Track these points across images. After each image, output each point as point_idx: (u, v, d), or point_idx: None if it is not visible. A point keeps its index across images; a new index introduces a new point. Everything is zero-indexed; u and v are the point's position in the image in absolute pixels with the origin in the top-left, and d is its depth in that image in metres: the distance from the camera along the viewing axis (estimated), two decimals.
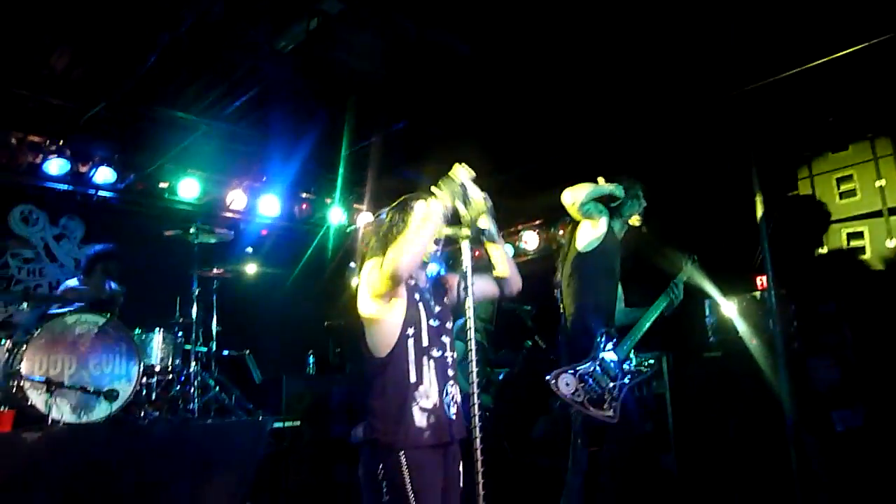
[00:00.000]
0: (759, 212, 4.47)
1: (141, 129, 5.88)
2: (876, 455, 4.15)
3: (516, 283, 2.66)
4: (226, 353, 5.28)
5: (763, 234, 4.58)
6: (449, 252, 2.54)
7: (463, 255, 2.36)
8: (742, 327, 5.20)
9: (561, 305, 3.90)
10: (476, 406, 2.23)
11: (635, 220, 3.96)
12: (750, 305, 5.41)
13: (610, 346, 3.68)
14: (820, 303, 5.55)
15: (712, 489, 4.45)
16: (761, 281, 5.49)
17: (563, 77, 4.95)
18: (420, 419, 2.33)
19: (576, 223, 3.91)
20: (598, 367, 3.60)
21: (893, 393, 4.45)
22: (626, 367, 3.70)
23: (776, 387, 4.24)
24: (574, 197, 3.75)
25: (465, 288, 2.30)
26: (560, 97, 5.18)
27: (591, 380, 3.57)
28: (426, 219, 2.30)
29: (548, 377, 3.53)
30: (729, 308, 5.46)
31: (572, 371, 3.57)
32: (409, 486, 2.26)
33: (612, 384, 3.60)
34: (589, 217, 3.80)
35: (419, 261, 2.37)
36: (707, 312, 5.54)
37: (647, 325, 3.89)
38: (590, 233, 3.81)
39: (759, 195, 4.62)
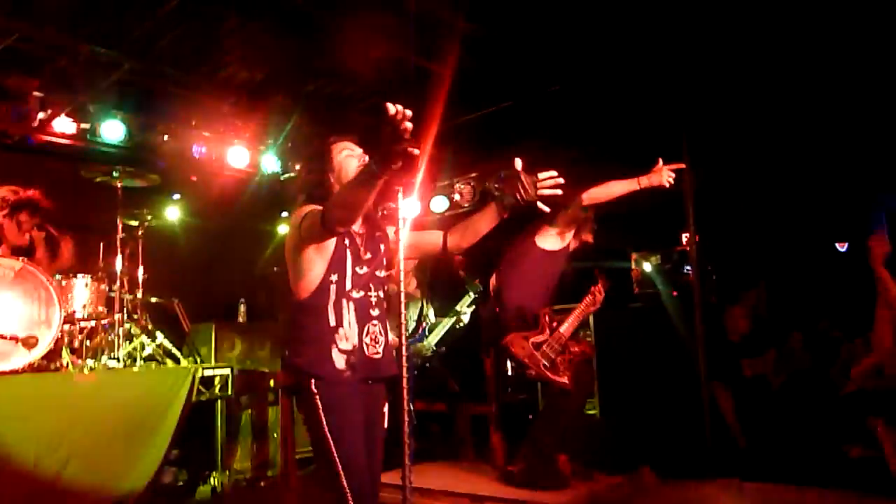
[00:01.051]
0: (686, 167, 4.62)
1: (63, 65, 5.57)
2: (779, 400, 4.46)
3: (468, 244, 2.65)
4: (153, 300, 5.17)
5: (687, 190, 4.77)
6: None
7: (399, 207, 2.37)
8: (663, 280, 5.43)
9: None
10: (404, 348, 2.29)
11: None
12: (673, 260, 5.65)
13: None
14: (739, 260, 5.84)
15: (632, 432, 4.70)
16: (686, 237, 5.72)
17: (502, 27, 4.92)
18: (339, 360, 2.38)
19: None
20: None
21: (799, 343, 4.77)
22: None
23: (692, 336, 4.48)
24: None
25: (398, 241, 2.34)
26: (498, 48, 5.16)
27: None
28: (370, 179, 2.10)
29: (502, 342, 4.07)
30: (652, 262, 5.68)
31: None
32: (325, 424, 2.32)
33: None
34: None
35: (358, 218, 2.34)
36: (631, 266, 5.76)
37: None
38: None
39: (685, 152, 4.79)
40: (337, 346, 2.38)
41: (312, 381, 2.35)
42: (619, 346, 5.09)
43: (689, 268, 5.19)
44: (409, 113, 1.97)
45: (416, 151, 2.02)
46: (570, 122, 5.91)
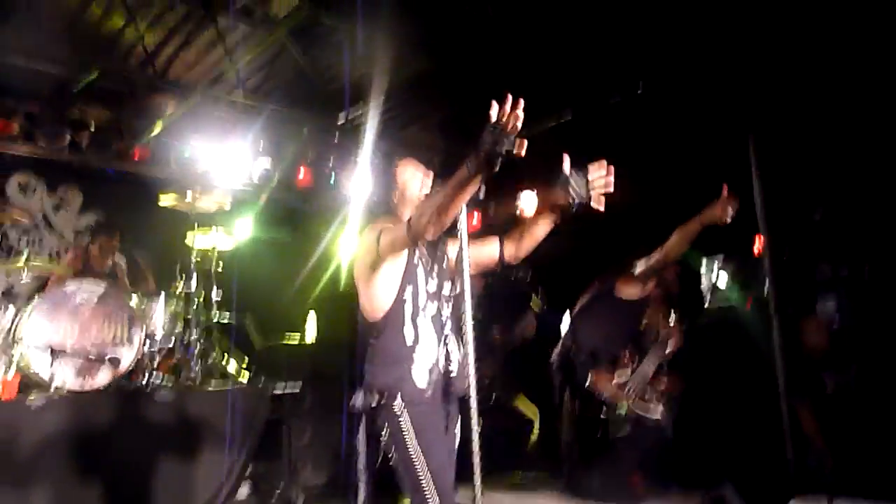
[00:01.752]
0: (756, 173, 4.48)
1: (134, 94, 5.83)
2: (864, 415, 4.22)
3: (524, 253, 2.61)
4: (226, 319, 5.32)
5: (758, 195, 4.61)
6: None
7: (459, 223, 2.37)
8: (737, 290, 5.25)
9: None
10: (472, 367, 2.27)
11: None
12: (746, 268, 5.45)
13: None
14: (816, 267, 5.59)
15: (707, 447, 4.55)
16: (759, 242, 5.51)
17: (552, 40, 4.85)
18: (420, 379, 2.37)
19: None
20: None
21: (882, 357, 4.51)
22: None
23: (770, 349, 4.31)
24: None
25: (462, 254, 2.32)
26: (550, 60, 5.09)
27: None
28: (466, 184, 2.06)
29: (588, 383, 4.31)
30: (726, 272, 5.50)
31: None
32: (414, 445, 2.29)
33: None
34: None
35: (447, 225, 2.22)
36: (703, 275, 5.59)
37: None
38: None
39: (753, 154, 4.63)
40: (417, 365, 2.38)
41: (396, 401, 2.33)
42: (693, 360, 4.94)
43: (764, 277, 4.99)
44: (520, 108, 1.88)
45: (522, 153, 1.93)
46: (632, 133, 5.80)
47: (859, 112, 4.98)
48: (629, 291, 4.30)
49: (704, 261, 5.64)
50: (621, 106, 5.53)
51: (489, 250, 2.61)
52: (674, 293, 4.48)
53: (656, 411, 4.23)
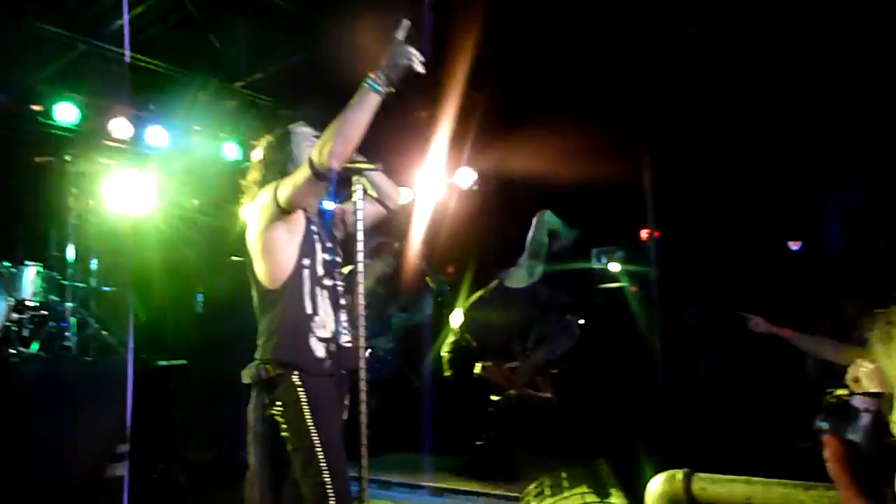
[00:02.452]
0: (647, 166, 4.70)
1: (12, 44, 5.37)
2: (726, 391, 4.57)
3: (395, 195, 2.63)
4: (106, 288, 5.04)
5: (648, 188, 4.85)
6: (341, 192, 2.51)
7: (354, 191, 2.35)
8: (624, 276, 5.51)
9: None
10: (362, 340, 2.27)
11: None
12: (633, 256, 5.73)
13: None
14: (699, 259, 5.94)
15: (589, 423, 4.76)
16: (644, 233, 5.81)
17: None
18: (318, 349, 2.34)
19: None
20: None
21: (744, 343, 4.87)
22: None
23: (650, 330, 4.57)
24: None
25: (356, 223, 2.30)
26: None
27: None
28: (366, 102, 2.07)
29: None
30: (617, 259, 5.75)
31: None
32: (308, 415, 2.25)
33: None
34: None
35: (353, 150, 2.18)
36: (593, 262, 5.82)
37: None
38: None
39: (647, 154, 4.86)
40: (315, 335, 2.34)
41: (295, 373, 2.28)
42: (582, 343, 5.14)
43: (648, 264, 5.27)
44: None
45: (421, 69, 2.02)
46: (532, 119, 5.91)
47: (738, 112, 5.31)
48: (516, 279, 4.45)
49: (593, 250, 5.88)
50: (524, 92, 5.64)
51: (376, 205, 2.58)
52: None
53: (545, 391, 4.39)
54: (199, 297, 5.81)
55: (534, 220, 4.56)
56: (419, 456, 5.03)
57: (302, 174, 2.20)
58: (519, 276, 4.46)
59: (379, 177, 2.55)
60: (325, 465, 2.22)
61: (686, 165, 5.78)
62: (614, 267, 5.70)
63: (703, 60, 4.95)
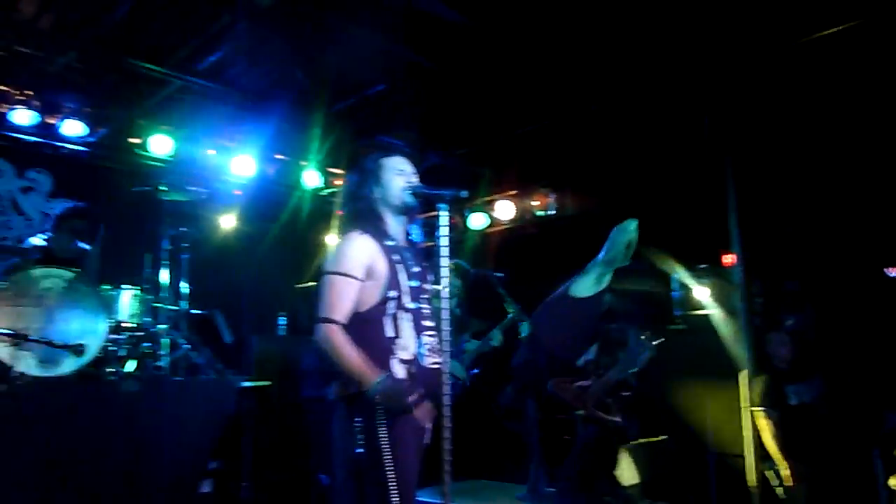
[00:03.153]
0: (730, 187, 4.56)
1: (113, 81, 5.74)
2: (826, 428, 4.31)
3: None
4: (195, 311, 5.24)
5: (731, 209, 4.69)
6: (425, 219, 2.56)
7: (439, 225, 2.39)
8: (707, 302, 5.32)
9: None
10: (446, 365, 2.29)
11: None
12: (716, 281, 5.53)
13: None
14: (785, 280, 5.70)
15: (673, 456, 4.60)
16: (729, 257, 5.61)
17: (541, 49, 4.92)
18: (400, 370, 2.37)
19: None
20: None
21: (845, 371, 4.61)
22: None
23: (736, 361, 4.38)
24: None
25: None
26: (538, 69, 5.16)
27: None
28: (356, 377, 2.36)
29: (549, 387, 4.27)
30: (695, 283, 5.57)
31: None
32: (384, 438, 2.29)
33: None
34: None
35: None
36: (673, 287, 5.65)
37: None
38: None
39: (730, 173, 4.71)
40: (397, 357, 2.39)
41: (374, 400, 2.31)
42: (659, 370, 4.99)
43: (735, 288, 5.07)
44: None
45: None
46: (610, 142, 5.87)
47: (829, 134, 5.10)
48: (583, 288, 4.16)
49: (674, 275, 5.71)
50: (599, 117, 5.60)
51: None
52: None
53: (615, 415, 4.24)
54: (283, 321, 5.97)
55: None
56: (499, 484, 4.99)
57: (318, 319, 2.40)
58: (585, 284, 4.12)
59: None
60: (392, 485, 2.26)
61: (773, 185, 5.58)
62: (700, 293, 5.52)
63: (795, 73, 4.79)
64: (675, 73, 5.03)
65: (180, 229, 5.10)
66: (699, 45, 4.67)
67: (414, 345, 2.42)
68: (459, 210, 7.03)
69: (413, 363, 2.40)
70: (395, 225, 2.54)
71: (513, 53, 4.98)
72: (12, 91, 5.54)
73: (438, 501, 2.26)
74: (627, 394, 4.36)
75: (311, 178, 6.88)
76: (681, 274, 5.69)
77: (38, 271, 4.16)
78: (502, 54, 5.00)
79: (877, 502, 3.77)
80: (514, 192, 7.29)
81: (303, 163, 6.82)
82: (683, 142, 5.46)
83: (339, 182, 6.83)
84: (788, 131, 5.21)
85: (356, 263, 2.40)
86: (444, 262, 2.37)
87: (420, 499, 2.54)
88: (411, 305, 2.45)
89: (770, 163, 5.37)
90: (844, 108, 4.91)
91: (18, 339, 3.90)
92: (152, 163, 6.21)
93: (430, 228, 2.56)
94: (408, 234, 2.62)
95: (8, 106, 5.55)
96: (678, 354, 5.10)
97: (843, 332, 5.05)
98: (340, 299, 2.37)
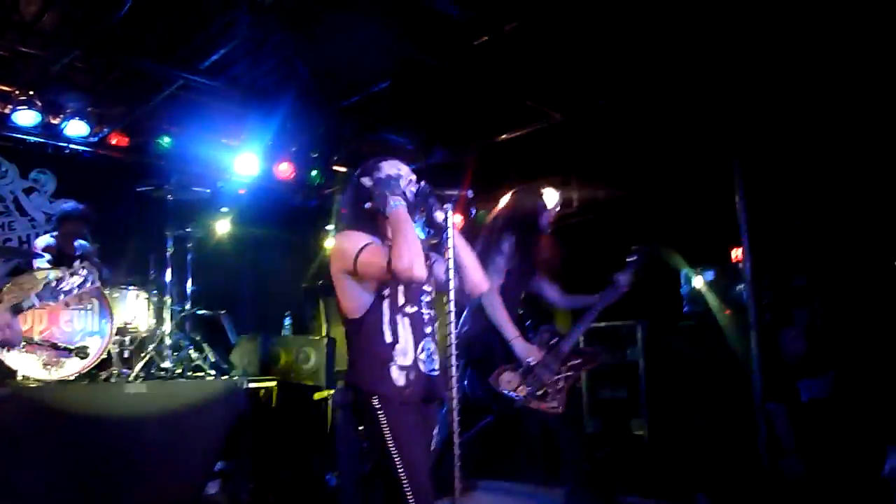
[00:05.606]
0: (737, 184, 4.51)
1: (114, 81, 5.72)
2: (838, 423, 4.26)
3: (482, 286, 2.60)
4: (200, 312, 5.22)
5: (740, 205, 4.64)
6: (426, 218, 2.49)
7: (447, 227, 2.35)
8: (715, 298, 5.28)
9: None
10: (454, 370, 2.26)
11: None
12: (724, 277, 5.49)
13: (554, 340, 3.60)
14: (793, 275, 5.64)
15: (682, 454, 4.56)
16: (736, 253, 5.56)
17: (545, 44, 4.87)
18: (399, 377, 2.36)
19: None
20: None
21: (857, 365, 4.56)
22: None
23: (746, 357, 4.33)
24: None
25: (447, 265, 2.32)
26: (543, 63, 5.11)
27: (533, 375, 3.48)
28: (404, 222, 2.30)
29: (489, 379, 3.45)
30: (703, 279, 5.53)
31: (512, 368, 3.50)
32: (391, 443, 2.28)
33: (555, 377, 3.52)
34: None
35: (419, 253, 2.27)
36: (682, 282, 5.61)
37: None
38: None
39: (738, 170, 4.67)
40: (396, 363, 2.37)
41: (374, 398, 2.33)
42: (670, 366, 4.96)
43: (742, 285, 5.03)
44: None
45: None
46: (618, 139, 5.82)
47: (837, 130, 5.05)
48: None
49: (683, 271, 5.67)
50: (610, 112, 5.55)
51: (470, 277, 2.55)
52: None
53: (555, 400, 3.46)
54: (288, 321, 5.94)
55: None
56: (514, 485, 4.94)
57: (382, 264, 2.26)
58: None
59: (468, 268, 2.53)
60: (407, 489, 2.25)
61: (781, 179, 5.53)
62: (703, 288, 5.47)
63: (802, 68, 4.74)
64: (682, 71, 4.97)
65: (184, 229, 5.08)
66: (705, 45, 4.61)
67: (412, 349, 2.39)
68: (465, 208, 6.98)
69: (412, 369, 2.37)
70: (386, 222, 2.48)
71: (517, 49, 4.93)
72: (14, 91, 5.52)
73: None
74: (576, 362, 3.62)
75: (314, 176, 6.81)
76: (689, 269, 5.65)
77: (41, 273, 4.14)
78: (506, 50, 4.95)
79: (891, 499, 3.71)
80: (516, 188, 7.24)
81: (307, 161, 6.76)
82: (692, 138, 5.40)
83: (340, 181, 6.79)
84: (796, 126, 5.15)
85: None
86: (450, 264, 2.33)
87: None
88: (409, 309, 2.41)
89: (778, 157, 5.32)
90: (852, 102, 4.85)
91: (22, 342, 3.87)
92: (156, 162, 6.18)
93: (430, 227, 2.51)
94: None
95: (11, 106, 5.53)
96: (687, 349, 5.07)
97: (855, 326, 5.00)
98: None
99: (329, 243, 6.50)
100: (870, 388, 4.52)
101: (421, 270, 2.24)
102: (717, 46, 4.59)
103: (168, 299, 4.75)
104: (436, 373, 2.43)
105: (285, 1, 4.38)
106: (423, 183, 2.48)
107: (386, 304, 2.39)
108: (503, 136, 6.05)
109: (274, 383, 4.93)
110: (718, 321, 5.19)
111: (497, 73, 5.17)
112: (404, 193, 2.39)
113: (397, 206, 2.33)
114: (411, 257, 2.21)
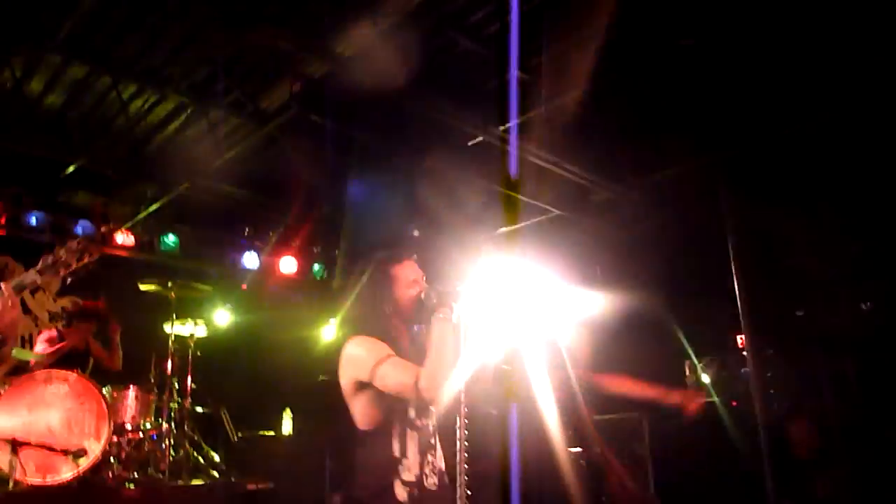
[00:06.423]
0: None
1: (122, 180, 5.88)
2: None
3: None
4: (200, 409, 5.15)
5: (739, 292, 4.65)
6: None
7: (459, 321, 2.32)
8: (720, 388, 5.20)
9: None
10: (462, 475, 2.20)
11: None
12: (728, 365, 5.43)
13: None
14: (801, 364, 5.57)
15: None
16: (740, 339, 5.51)
17: None
18: (401, 493, 2.26)
19: None
20: None
21: (876, 459, 4.43)
22: None
23: (755, 453, 4.22)
24: None
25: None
26: None
27: None
28: (448, 339, 2.20)
29: None
30: (707, 368, 5.46)
31: None
32: None
33: None
34: None
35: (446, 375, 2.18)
36: (686, 373, 5.54)
37: None
38: None
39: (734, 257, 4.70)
40: (400, 479, 2.26)
41: None
42: (676, 461, 4.83)
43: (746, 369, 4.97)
44: None
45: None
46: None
47: (839, 209, 5.10)
48: None
49: (686, 361, 5.61)
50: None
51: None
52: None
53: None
54: (288, 418, 5.85)
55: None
56: None
57: (408, 385, 2.17)
58: None
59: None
60: None
61: (780, 261, 5.53)
62: (705, 378, 5.39)
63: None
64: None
65: (186, 325, 5.09)
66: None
67: (417, 465, 2.30)
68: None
69: (415, 485, 2.28)
70: (400, 328, 2.41)
71: None
72: (24, 193, 5.67)
73: None
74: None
75: (316, 270, 6.88)
76: (693, 361, 5.60)
77: (41, 374, 4.12)
78: None
79: None
80: None
81: (309, 255, 6.84)
82: (691, 230, 5.46)
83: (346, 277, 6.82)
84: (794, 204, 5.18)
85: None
86: (467, 361, 2.26)
87: None
88: (419, 422, 2.33)
89: (778, 241, 5.35)
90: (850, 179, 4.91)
91: (17, 445, 3.81)
92: (160, 260, 6.26)
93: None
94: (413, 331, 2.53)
95: (23, 209, 5.66)
96: (692, 441, 4.94)
97: (868, 417, 4.90)
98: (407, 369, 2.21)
99: (328, 337, 6.46)
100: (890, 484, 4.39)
101: (445, 392, 2.15)
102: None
103: (166, 396, 4.70)
104: (435, 487, 2.33)
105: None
106: (432, 287, 2.38)
107: (397, 419, 2.30)
108: None
109: (271, 485, 4.79)
110: (722, 416, 5.08)
111: None
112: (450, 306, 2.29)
113: (444, 321, 2.23)
114: (443, 381, 2.13)
